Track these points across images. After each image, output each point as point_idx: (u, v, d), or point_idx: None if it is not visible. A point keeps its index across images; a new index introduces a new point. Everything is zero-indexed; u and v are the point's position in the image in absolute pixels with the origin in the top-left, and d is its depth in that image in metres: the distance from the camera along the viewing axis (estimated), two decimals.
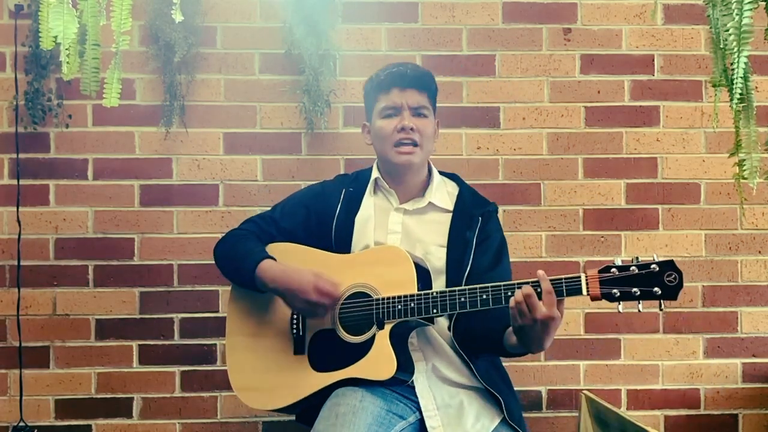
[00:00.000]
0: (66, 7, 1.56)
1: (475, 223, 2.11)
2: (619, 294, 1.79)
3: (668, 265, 1.77)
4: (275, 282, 2.03)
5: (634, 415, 2.60)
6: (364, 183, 2.21)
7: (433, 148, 2.21)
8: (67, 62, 1.62)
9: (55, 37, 1.57)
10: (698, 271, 2.80)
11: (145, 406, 2.73)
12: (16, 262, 2.71)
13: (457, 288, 1.93)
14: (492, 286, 1.87)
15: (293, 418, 2.21)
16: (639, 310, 1.80)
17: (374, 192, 2.20)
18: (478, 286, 1.90)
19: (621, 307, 1.81)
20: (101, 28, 1.70)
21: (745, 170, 1.69)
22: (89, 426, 2.72)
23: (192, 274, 2.75)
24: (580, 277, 1.81)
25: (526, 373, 2.75)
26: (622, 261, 1.81)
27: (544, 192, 2.80)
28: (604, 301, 1.81)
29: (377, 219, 2.15)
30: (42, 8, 1.64)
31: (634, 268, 1.79)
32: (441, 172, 2.24)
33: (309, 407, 2.07)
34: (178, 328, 2.74)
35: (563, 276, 1.82)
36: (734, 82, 1.53)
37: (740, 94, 1.57)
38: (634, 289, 1.78)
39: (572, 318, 2.77)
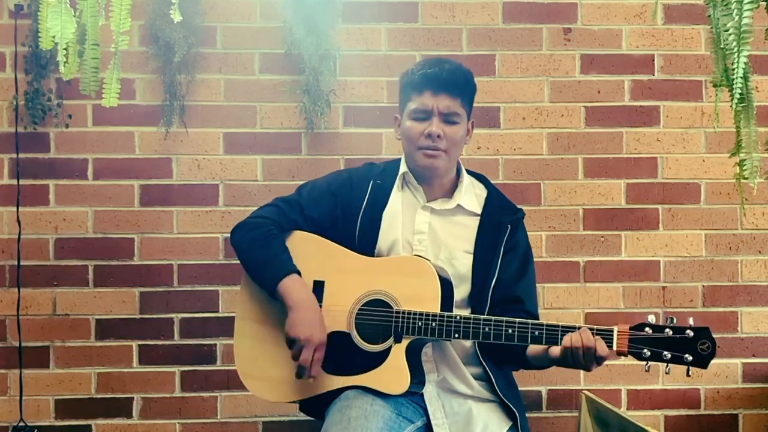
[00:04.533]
0: (64, 7, 1.56)
1: (503, 231, 2.07)
2: (649, 354, 1.78)
3: (703, 333, 1.77)
4: (292, 304, 1.97)
5: (634, 415, 2.59)
6: (392, 176, 2.13)
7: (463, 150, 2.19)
8: (65, 62, 1.62)
9: (54, 36, 1.57)
10: (698, 271, 2.79)
11: (145, 406, 2.73)
12: (16, 262, 2.71)
13: (482, 317, 1.92)
14: (519, 323, 1.88)
15: (293, 417, 2.21)
16: (667, 372, 1.80)
17: (402, 187, 2.13)
18: (504, 318, 1.90)
19: (648, 366, 1.81)
20: (101, 28, 1.70)
21: (745, 170, 1.69)
22: (89, 426, 2.72)
23: (192, 274, 2.74)
24: (612, 331, 1.81)
25: (526, 373, 2.73)
26: (655, 320, 1.79)
27: (544, 192, 2.80)
28: (629, 356, 1.82)
29: (404, 216, 2.10)
30: (41, 8, 1.64)
31: (668, 330, 1.78)
32: (469, 172, 2.19)
33: (313, 399, 2.05)
34: (178, 328, 2.74)
35: (595, 326, 1.82)
36: (734, 82, 1.53)
37: (740, 94, 1.57)
38: (665, 353, 1.77)
39: (572, 318, 2.76)
